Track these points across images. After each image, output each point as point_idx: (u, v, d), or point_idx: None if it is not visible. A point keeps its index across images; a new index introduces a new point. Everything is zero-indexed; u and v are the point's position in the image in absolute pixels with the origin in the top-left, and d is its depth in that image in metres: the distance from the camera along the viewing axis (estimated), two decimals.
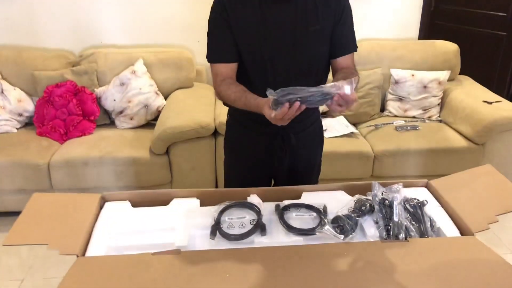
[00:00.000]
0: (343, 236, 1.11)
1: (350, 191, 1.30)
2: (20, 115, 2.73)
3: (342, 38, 1.38)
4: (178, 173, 2.54)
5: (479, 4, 3.03)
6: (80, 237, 1.10)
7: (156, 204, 1.26)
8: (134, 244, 1.10)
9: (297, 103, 1.06)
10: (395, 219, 1.13)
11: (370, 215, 1.19)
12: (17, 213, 1.18)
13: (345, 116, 2.84)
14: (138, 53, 2.85)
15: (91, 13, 2.91)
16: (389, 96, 2.96)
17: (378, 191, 1.21)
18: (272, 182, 1.64)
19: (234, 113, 1.54)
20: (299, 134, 1.49)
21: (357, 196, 1.23)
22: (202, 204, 1.26)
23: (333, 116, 2.83)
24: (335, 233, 1.11)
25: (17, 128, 2.71)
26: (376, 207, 1.18)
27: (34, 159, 2.40)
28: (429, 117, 2.88)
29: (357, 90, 2.72)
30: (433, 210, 1.23)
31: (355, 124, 2.86)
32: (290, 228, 1.14)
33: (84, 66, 2.78)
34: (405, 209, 1.19)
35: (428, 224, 1.16)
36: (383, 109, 3.00)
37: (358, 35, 1.42)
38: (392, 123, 2.79)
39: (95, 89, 2.77)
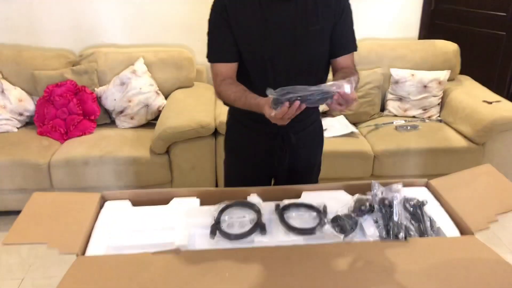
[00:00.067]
0: (343, 235, 1.11)
1: (350, 191, 1.30)
2: (21, 114, 2.73)
3: (342, 38, 1.38)
4: (178, 173, 2.54)
5: (479, 4, 3.03)
6: (80, 236, 1.10)
7: (156, 203, 1.26)
8: (134, 244, 1.10)
9: (297, 102, 1.06)
10: (395, 218, 1.14)
11: (370, 215, 1.19)
12: (17, 212, 1.18)
13: (345, 116, 2.84)
14: (138, 52, 2.85)
15: (91, 12, 2.91)
16: (389, 96, 2.96)
17: (378, 191, 1.21)
18: (272, 182, 1.63)
19: (234, 113, 1.54)
20: (299, 134, 1.49)
21: (357, 196, 1.23)
22: (202, 204, 1.26)
23: (333, 116, 2.83)
24: (335, 232, 1.11)
25: (17, 128, 2.72)
26: (376, 206, 1.18)
27: (35, 159, 2.41)
28: (429, 117, 2.88)
29: (357, 90, 2.72)
30: (433, 210, 1.23)
31: (355, 124, 2.85)
32: (290, 228, 1.14)
33: (84, 65, 2.78)
34: (405, 208, 1.19)
35: (428, 224, 1.16)
36: (383, 108, 3.00)
37: (358, 35, 1.42)
38: (392, 122, 2.79)
39: (96, 89, 2.77)
